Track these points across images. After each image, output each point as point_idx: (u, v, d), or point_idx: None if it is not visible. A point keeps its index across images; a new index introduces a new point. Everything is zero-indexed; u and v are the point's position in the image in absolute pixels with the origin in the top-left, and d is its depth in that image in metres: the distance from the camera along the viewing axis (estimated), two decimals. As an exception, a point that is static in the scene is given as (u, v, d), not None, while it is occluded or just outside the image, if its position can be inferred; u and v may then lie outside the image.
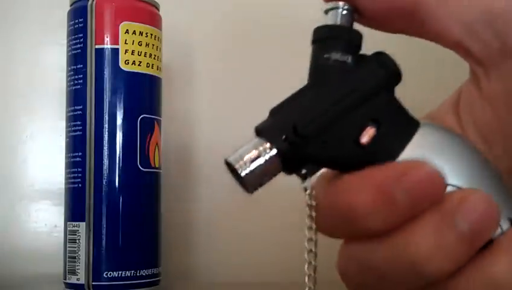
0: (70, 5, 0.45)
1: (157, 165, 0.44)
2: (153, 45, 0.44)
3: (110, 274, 0.42)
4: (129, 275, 0.42)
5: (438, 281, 0.22)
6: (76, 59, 0.44)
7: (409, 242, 0.22)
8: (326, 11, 0.25)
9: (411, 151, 0.23)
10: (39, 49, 0.58)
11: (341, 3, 0.25)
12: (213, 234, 0.56)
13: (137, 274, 0.42)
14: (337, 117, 0.23)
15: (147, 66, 0.44)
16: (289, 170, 0.23)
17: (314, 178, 0.24)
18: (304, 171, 0.23)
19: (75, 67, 0.44)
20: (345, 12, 0.25)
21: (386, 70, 0.24)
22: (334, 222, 0.24)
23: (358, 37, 0.24)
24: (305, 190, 0.24)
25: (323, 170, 0.24)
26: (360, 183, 0.23)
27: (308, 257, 0.25)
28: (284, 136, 0.23)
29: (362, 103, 0.23)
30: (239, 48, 0.58)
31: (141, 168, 0.43)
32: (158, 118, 0.45)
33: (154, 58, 0.44)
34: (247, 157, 0.23)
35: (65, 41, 0.45)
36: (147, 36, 0.44)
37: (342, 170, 0.24)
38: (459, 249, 0.22)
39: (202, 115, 0.57)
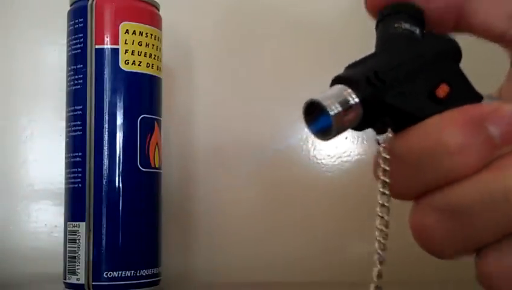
0: (70, 5, 0.45)
1: (157, 165, 0.44)
2: (153, 45, 0.44)
3: (110, 274, 0.42)
4: (129, 275, 0.42)
5: None
6: (76, 59, 0.44)
7: (502, 177, 0.22)
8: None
9: None
10: (39, 49, 0.58)
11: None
12: (213, 234, 0.56)
13: (137, 274, 0.42)
14: (413, 70, 0.24)
15: (147, 66, 0.44)
16: (368, 119, 0.23)
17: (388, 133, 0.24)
18: (380, 124, 0.24)
19: (75, 67, 0.44)
20: None
21: (452, 43, 0.25)
22: (417, 167, 0.23)
23: (424, 17, 0.26)
24: (378, 142, 0.24)
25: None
26: (449, 120, 0.22)
27: (381, 211, 0.23)
28: (366, 81, 0.23)
29: (434, 64, 0.24)
30: (239, 47, 0.58)
31: (141, 168, 0.43)
32: (158, 118, 0.45)
33: (154, 58, 0.44)
34: (334, 98, 0.23)
35: (65, 41, 0.45)
36: (147, 36, 0.44)
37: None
38: None
39: (202, 114, 0.57)
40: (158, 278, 0.44)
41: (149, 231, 0.44)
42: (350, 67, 0.24)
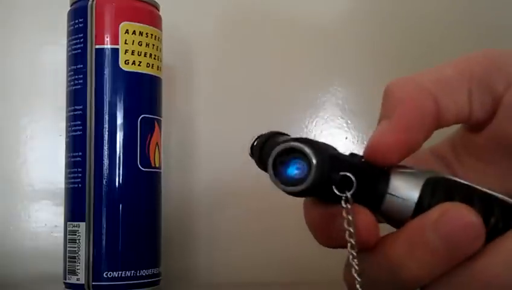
0: (70, 5, 0.45)
1: (157, 165, 0.44)
2: (153, 45, 0.44)
3: (110, 274, 0.42)
4: (129, 275, 0.42)
5: (418, 286, 0.24)
6: (76, 59, 0.44)
7: (386, 254, 0.24)
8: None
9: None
10: (39, 49, 0.58)
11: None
12: (213, 234, 0.56)
13: (137, 274, 0.42)
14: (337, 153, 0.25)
15: (147, 66, 0.44)
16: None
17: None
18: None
19: (75, 67, 0.44)
20: None
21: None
22: None
23: None
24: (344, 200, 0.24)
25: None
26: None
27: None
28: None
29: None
30: (239, 48, 0.58)
31: (141, 168, 0.43)
32: (158, 118, 0.45)
33: (154, 58, 0.44)
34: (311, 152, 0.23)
35: (65, 41, 0.45)
36: (147, 36, 0.44)
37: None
38: (432, 260, 0.23)
39: (202, 115, 0.57)
40: (158, 278, 0.44)
41: (149, 231, 0.44)
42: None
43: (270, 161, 0.23)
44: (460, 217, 0.23)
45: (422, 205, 0.24)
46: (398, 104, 0.25)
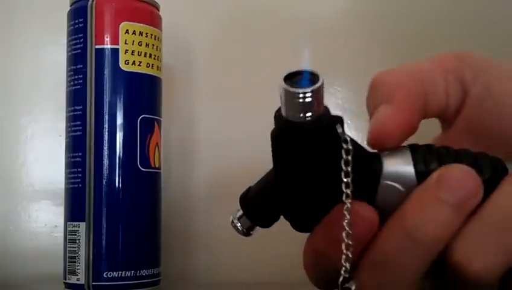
0: (70, 5, 0.45)
1: (157, 165, 0.44)
2: (153, 45, 0.44)
3: (110, 274, 0.42)
4: (129, 275, 0.42)
5: (439, 248, 0.25)
6: (76, 59, 0.44)
7: (402, 223, 0.25)
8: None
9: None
10: (39, 49, 0.58)
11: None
12: (213, 234, 0.56)
13: (137, 274, 0.42)
14: None
15: (147, 66, 0.44)
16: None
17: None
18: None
19: (75, 67, 0.44)
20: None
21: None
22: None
23: None
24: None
25: None
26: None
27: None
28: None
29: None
30: (239, 47, 0.58)
31: (141, 168, 0.43)
32: (158, 118, 0.45)
33: (154, 58, 0.44)
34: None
35: (65, 41, 0.45)
36: (147, 36, 0.44)
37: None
38: (449, 218, 0.24)
39: (202, 115, 0.57)
40: (158, 278, 0.44)
41: (149, 231, 0.44)
42: None
43: (282, 79, 0.25)
44: (459, 171, 0.24)
45: (417, 156, 0.25)
46: (396, 89, 0.27)
